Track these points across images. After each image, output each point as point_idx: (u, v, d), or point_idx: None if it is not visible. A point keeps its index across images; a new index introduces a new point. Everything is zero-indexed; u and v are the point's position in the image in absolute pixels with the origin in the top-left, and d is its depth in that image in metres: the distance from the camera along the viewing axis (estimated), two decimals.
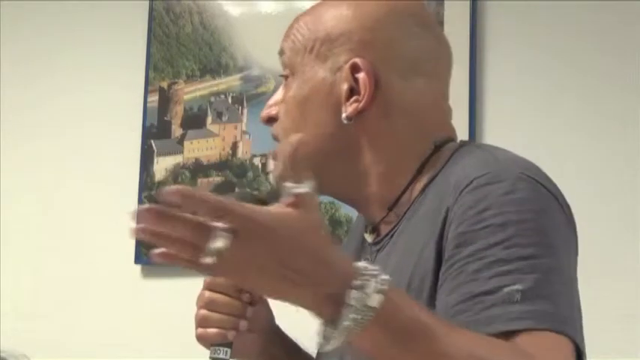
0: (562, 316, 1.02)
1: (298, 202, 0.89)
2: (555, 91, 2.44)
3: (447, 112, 1.28)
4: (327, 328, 0.91)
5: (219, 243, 0.84)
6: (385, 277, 0.91)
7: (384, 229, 1.24)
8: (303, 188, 0.90)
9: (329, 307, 0.90)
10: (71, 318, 2.75)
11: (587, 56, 2.42)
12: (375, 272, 0.91)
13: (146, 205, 0.84)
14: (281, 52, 1.28)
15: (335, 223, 2.56)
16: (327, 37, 1.23)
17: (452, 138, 1.27)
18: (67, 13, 2.94)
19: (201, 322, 1.24)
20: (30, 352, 2.69)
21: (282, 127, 1.26)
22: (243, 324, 1.23)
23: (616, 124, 2.37)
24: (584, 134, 2.39)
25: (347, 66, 1.21)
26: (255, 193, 2.59)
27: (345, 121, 1.20)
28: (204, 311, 1.24)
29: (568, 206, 1.14)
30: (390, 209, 1.23)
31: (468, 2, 2.52)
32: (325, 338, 0.91)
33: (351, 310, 0.89)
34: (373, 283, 0.90)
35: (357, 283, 0.89)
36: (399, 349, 0.92)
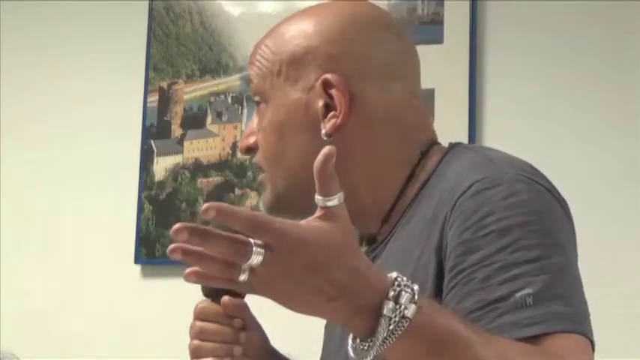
0: (575, 315, 1.01)
1: (329, 214, 0.88)
2: (554, 91, 2.44)
3: (423, 112, 1.27)
4: (361, 341, 0.90)
5: (254, 259, 0.84)
6: (416, 287, 0.90)
7: (379, 238, 1.23)
8: (333, 200, 0.89)
9: (363, 319, 0.89)
10: (71, 318, 2.75)
11: (586, 57, 2.42)
12: (408, 283, 0.90)
13: (180, 224, 0.82)
14: (249, 80, 1.26)
15: None
16: (292, 57, 1.21)
17: (435, 140, 1.25)
18: (67, 13, 2.94)
19: (195, 353, 1.22)
20: (30, 351, 2.69)
21: (263, 155, 1.24)
22: (237, 350, 1.22)
23: (615, 125, 2.37)
24: (583, 135, 2.40)
25: (318, 83, 1.19)
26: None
27: (325, 138, 1.18)
28: (196, 341, 1.22)
29: (565, 202, 1.13)
30: (385, 220, 1.21)
31: (468, 2, 2.52)
32: (358, 352, 0.90)
33: (387, 322, 0.88)
34: (407, 293, 0.89)
35: (392, 294, 0.88)
36: (432, 359, 0.91)
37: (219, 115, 2.75)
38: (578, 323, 1.01)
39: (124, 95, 2.84)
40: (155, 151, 2.77)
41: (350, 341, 0.92)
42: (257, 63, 1.24)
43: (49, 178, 2.87)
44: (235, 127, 2.73)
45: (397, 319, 0.88)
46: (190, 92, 2.79)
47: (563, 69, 2.43)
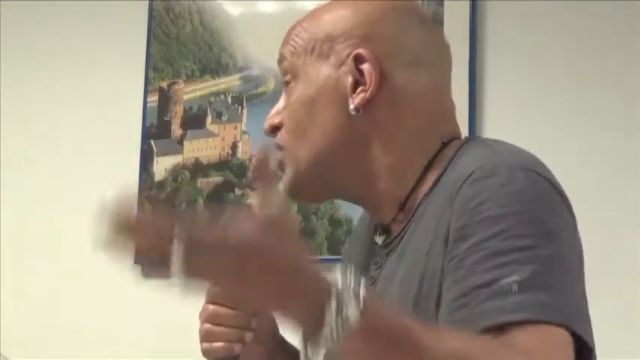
0: (560, 307, 1.00)
1: (270, 216, 0.88)
2: (555, 91, 2.44)
3: (450, 106, 1.28)
4: (309, 344, 0.90)
5: (176, 253, 0.85)
6: (363, 288, 0.90)
7: (395, 229, 1.23)
8: (272, 203, 0.89)
9: (309, 323, 0.89)
10: (71, 318, 2.75)
11: (587, 57, 2.42)
12: (353, 284, 0.90)
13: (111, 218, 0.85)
14: (280, 59, 1.27)
15: (335, 223, 2.56)
16: (328, 36, 1.23)
17: (457, 135, 1.26)
18: (67, 13, 2.94)
19: (206, 337, 1.22)
20: (29, 351, 2.69)
21: (288, 132, 1.24)
22: (249, 335, 1.21)
23: (615, 124, 2.37)
24: (584, 134, 2.40)
25: (350, 58, 1.20)
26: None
27: (353, 112, 1.19)
28: (208, 325, 1.22)
29: (566, 196, 1.13)
30: (401, 209, 1.21)
31: (468, 2, 2.52)
32: (307, 355, 0.90)
33: (329, 324, 0.88)
34: (348, 295, 0.88)
35: (334, 298, 0.88)
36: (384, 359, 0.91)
37: (219, 115, 2.75)
38: (558, 314, 0.99)
39: (123, 95, 2.84)
40: (155, 151, 2.77)
41: (301, 344, 0.92)
42: (291, 42, 1.26)
43: (48, 177, 2.87)
44: (235, 127, 2.73)
45: (339, 321, 0.88)
46: (190, 92, 2.79)
47: (564, 69, 2.43)
